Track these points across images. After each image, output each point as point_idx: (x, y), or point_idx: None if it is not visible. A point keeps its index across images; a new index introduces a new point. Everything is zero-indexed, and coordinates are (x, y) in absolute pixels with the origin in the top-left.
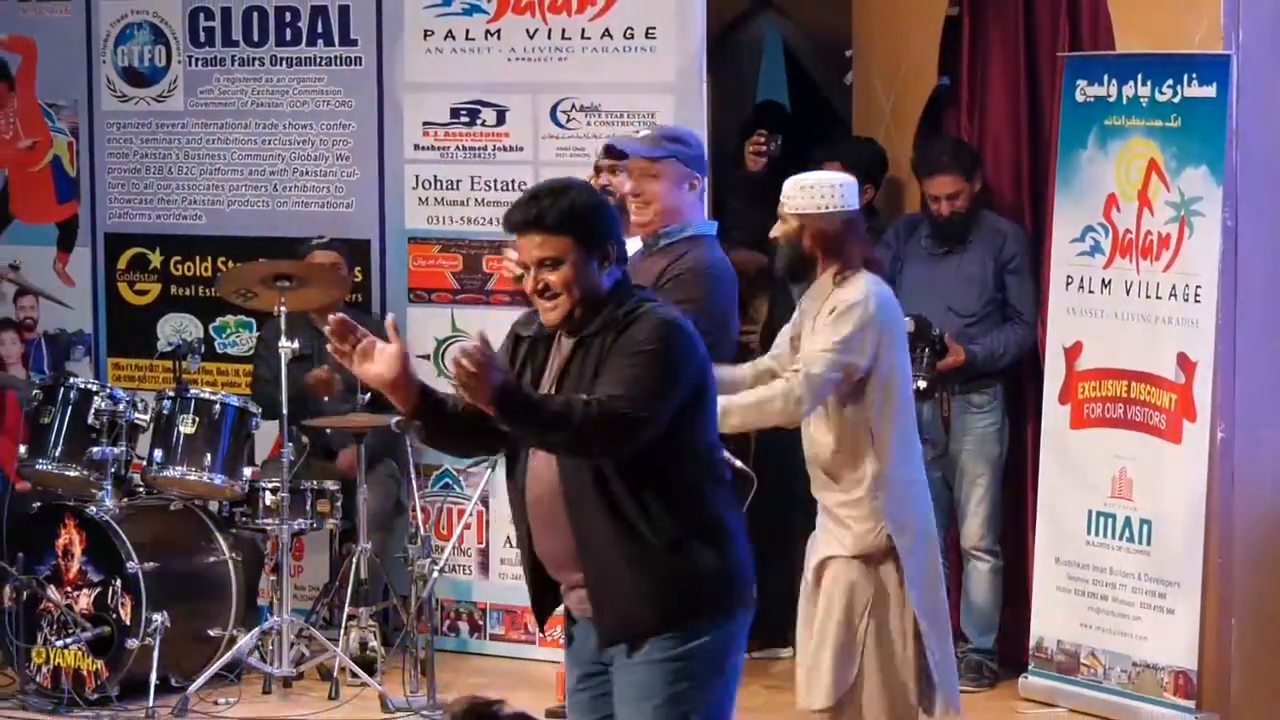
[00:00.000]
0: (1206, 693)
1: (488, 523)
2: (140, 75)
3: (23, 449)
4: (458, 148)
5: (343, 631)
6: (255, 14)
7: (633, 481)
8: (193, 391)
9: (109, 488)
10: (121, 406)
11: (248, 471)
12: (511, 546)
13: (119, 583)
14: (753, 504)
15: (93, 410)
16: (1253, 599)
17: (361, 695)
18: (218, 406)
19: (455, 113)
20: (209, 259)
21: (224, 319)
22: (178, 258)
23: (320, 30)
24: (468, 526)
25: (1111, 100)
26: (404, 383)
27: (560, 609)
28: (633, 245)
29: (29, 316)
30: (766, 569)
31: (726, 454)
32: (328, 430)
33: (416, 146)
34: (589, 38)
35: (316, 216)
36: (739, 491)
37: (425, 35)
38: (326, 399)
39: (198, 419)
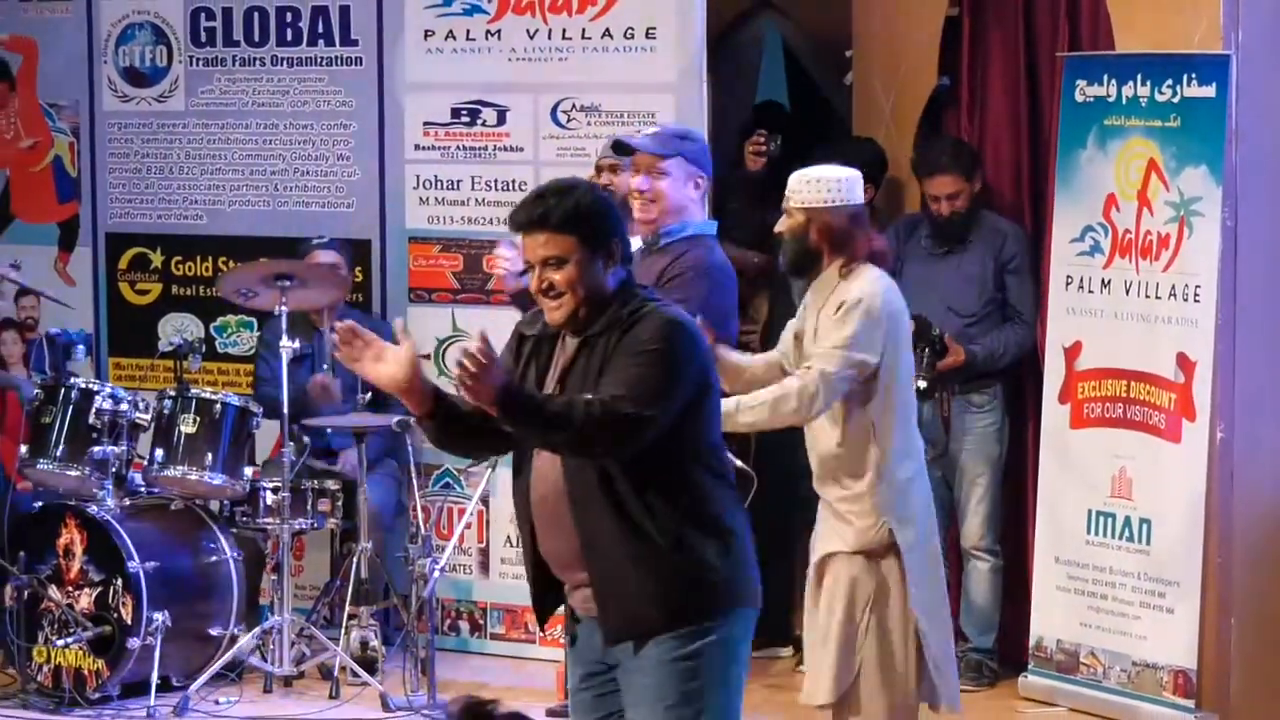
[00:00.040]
0: (1206, 692)
1: (488, 522)
2: (141, 75)
3: (24, 449)
4: (458, 148)
5: (343, 631)
6: (256, 14)
7: (637, 480)
8: (194, 391)
9: (110, 487)
10: (123, 406)
11: (248, 471)
12: (512, 546)
13: (120, 582)
14: (753, 504)
15: (94, 410)
16: (1252, 598)
17: (362, 694)
18: (218, 406)
19: (456, 113)
20: (210, 259)
21: (225, 319)
22: (179, 257)
23: (321, 30)
24: (468, 526)
25: (1111, 100)
26: (416, 385)
27: (561, 609)
28: (632, 244)
29: (30, 316)
30: (766, 569)
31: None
32: (328, 430)
33: (417, 146)
34: (589, 38)
35: (317, 216)
36: (739, 491)
37: (426, 35)
38: (326, 405)
39: (199, 418)
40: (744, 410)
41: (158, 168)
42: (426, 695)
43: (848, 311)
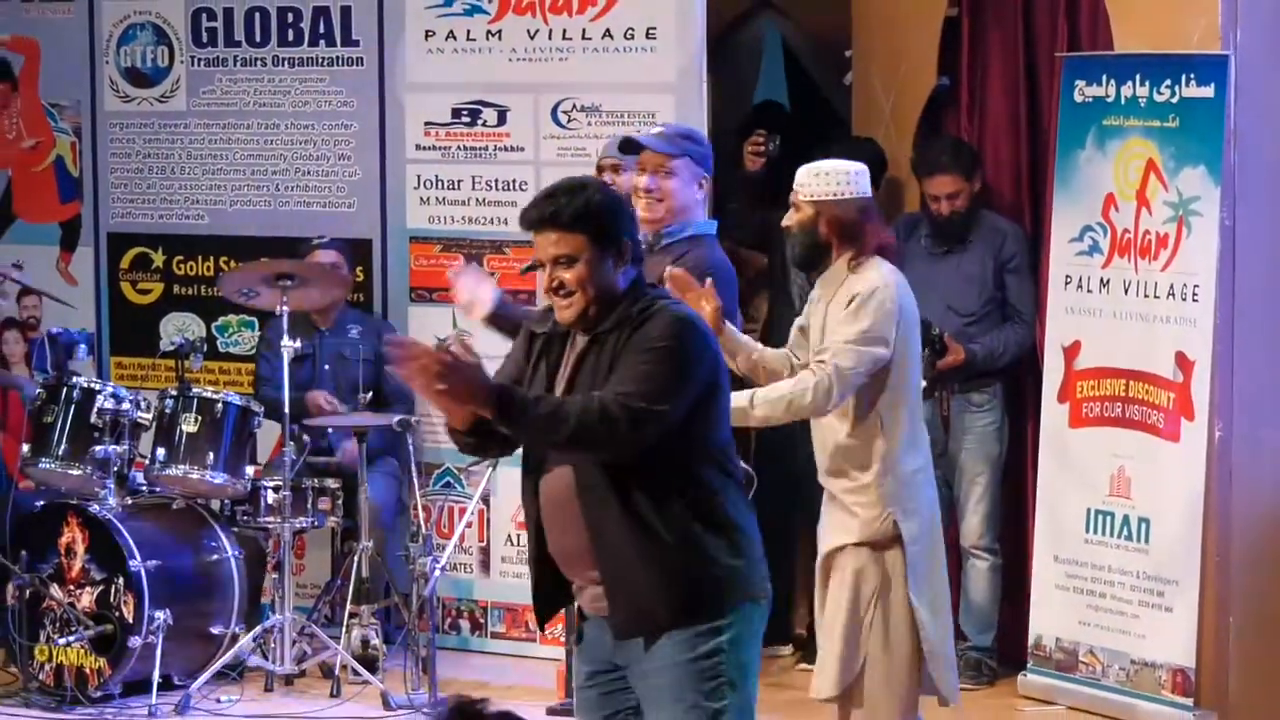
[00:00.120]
0: (1204, 690)
1: (489, 521)
2: (143, 76)
3: (26, 448)
4: (459, 148)
5: (344, 629)
6: (257, 15)
7: (647, 478)
8: (195, 390)
9: (111, 486)
10: (124, 405)
11: (250, 470)
12: (513, 545)
13: (121, 581)
14: (752, 503)
15: (95, 409)
16: (1251, 597)
17: (363, 693)
18: (220, 405)
19: (456, 113)
20: (211, 258)
21: (226, 318)
22: (180, 257)
23: (322, 31)
24: (469, 525)
25: (1110, 100)
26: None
27: (562, 608)
28: None
29: (32, 316)
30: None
31: None
32: (330, 430)
33: (418, 146)
34: (590, 38)
35: (318, 216)
36: None
37: (426, 36)
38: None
39: (200, 418)
40: (759, 404)
41: (159, 168)
42: (427, 694)
43: (861, 304)
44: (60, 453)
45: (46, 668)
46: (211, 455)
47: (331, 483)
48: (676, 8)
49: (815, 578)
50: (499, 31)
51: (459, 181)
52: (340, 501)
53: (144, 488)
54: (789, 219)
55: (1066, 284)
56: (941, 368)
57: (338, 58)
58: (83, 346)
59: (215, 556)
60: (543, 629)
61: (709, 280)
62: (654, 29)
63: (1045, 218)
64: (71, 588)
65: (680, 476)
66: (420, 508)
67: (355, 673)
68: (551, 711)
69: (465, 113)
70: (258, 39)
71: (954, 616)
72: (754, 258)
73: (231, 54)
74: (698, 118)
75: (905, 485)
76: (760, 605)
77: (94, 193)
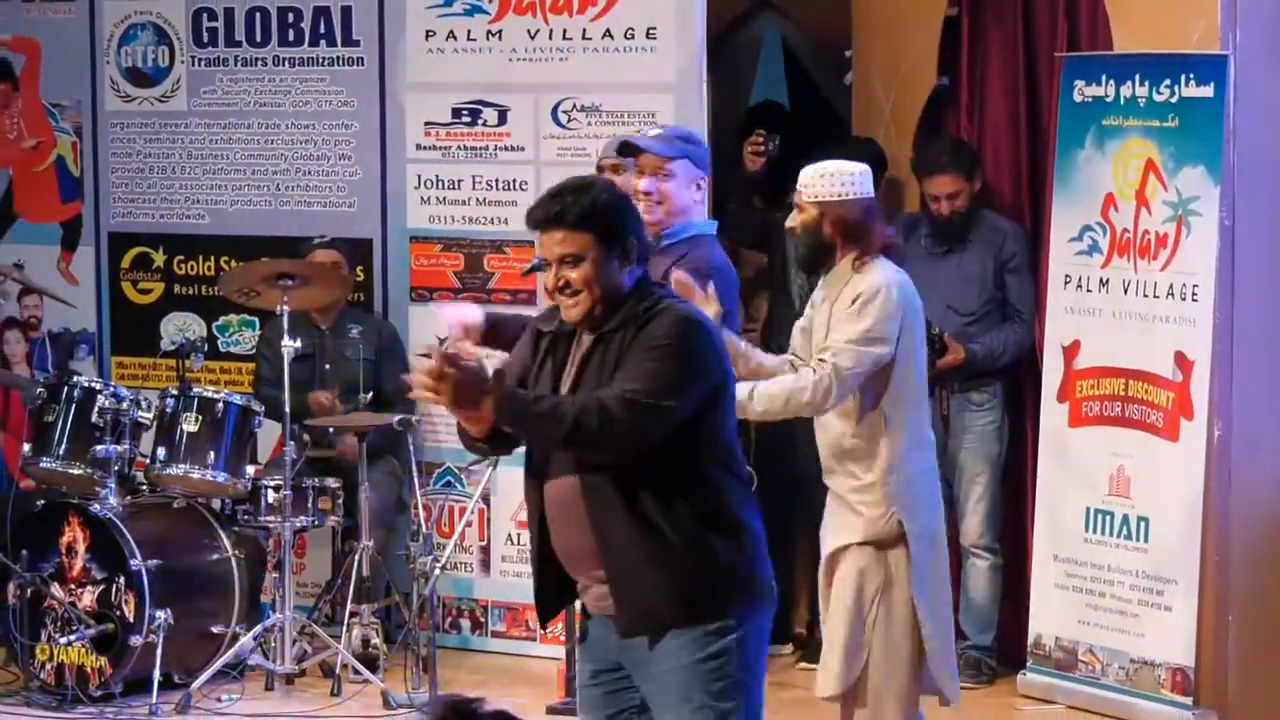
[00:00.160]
0: (1204, 689)
1: (489, 520)
2: (144, 75)
3: (27, 447)
4: (459, 147)
5: (345, 629)
6: (258, 14)
7: (653, 477)
8: (196, 390)
9: (112, 485)
10: (125, 405)
11: (250, 469)
12: (513, 544)
13: (122, 580)
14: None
15: (96, 408)
16: (1250, 596)
17: (363, 692)
18: (220, 405)
19: (457, 113)
20: (212, 258)
21: (227, 318)
22: (181, 257)
23: (323, 31)
24: (469, 524)
25: (1109, 100)
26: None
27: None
28: None
29: (33, 315)
30: None
31: None
32: (330, 430)
33: (418, 146)
34: (590, 38)
35: (318, 216)
36: None
37: (427, 35)
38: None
39: (201, 417)
40: (758, 399)
41: (160, 167)
42: (428, 693)
43: (864, 304)
44: (61, 452)
45: (47, 667)
46: (212, 455)
47: (332, 482)
48: (676, 8)
49: (819, 578)
50: (499, 31)
51: (459, 181)
52: (341, 501)
53: (145, 487)
54: (793, 220)
55: (1066, 284)
56: (941, 367)
57: (338, 58)
58: (84, 346)
59: (216, 556)
60: (544, 627)
61: (710, 286)
62: (654, 29)
63: (1045, 217)
64: (72, 587)
65: (687, 477)
66: (421, 507)
67: (356, 672)
68: (552, 710)
69: (465, 113)
70: (258, 39)
71: (954, 615)
72: (754, 258)
73: (232, 54)
74: (697, 118)
75: (911, 484)
76: (767, 605)
77: (95, 192)
